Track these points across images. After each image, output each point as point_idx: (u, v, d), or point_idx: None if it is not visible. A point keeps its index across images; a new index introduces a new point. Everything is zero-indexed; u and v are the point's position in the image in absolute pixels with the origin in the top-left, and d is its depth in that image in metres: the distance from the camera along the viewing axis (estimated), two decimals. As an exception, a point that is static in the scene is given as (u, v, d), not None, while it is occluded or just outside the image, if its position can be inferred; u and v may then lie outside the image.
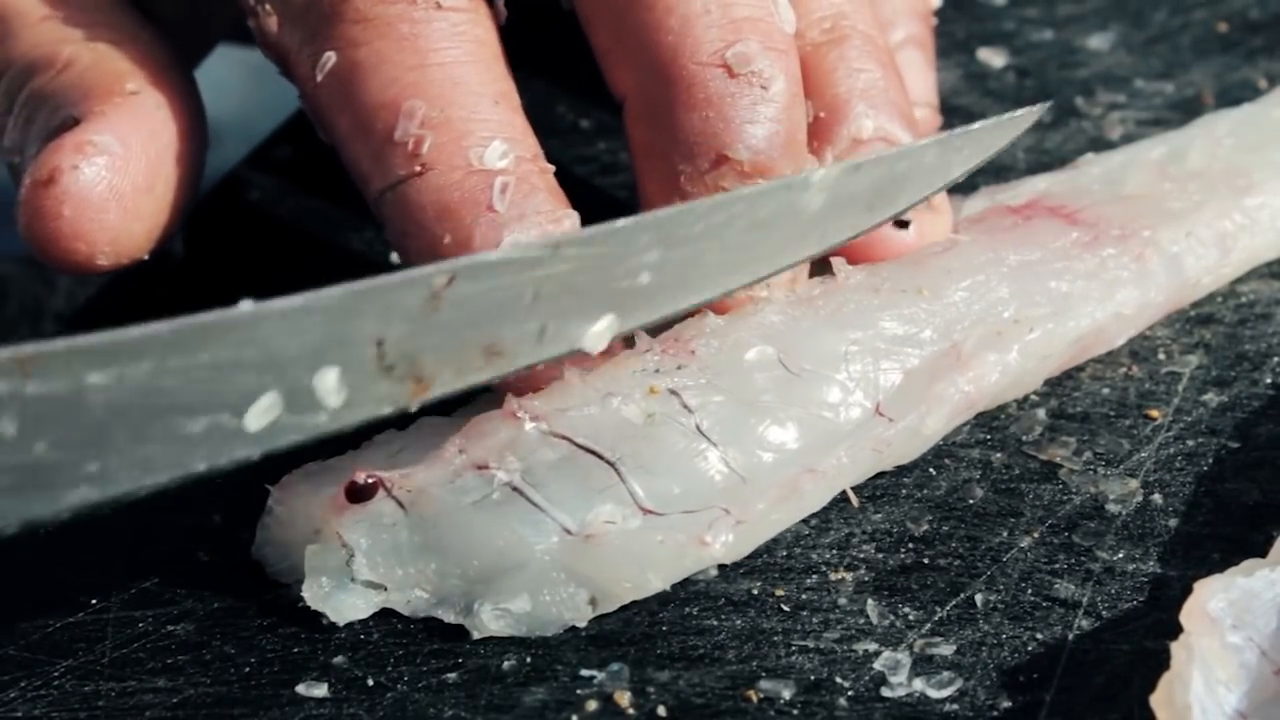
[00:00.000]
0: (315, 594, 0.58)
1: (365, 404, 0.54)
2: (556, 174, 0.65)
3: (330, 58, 0.61)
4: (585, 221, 0.63)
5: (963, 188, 0.73)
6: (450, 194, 0.60)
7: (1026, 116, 0.64)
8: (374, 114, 0.61)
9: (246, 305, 0.52)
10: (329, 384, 0.53)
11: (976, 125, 0.63)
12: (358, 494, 0.58)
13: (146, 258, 0.65)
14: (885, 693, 0.56)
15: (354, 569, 0.58)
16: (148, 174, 0.64)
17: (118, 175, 0.63)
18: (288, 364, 0.52)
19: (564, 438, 0.59)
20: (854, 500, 0.61)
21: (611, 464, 0.58)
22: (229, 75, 0.63)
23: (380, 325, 0.53)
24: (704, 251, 0.58)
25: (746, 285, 0.60)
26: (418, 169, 0.60)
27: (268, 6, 0.63)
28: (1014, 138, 0.64)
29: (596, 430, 0.59)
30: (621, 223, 0.57)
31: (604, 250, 0.56)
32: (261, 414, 0.52)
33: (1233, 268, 0.68)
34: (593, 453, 0.59)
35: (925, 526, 0.61)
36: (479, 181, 0.60)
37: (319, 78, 0.62)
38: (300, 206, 0.75)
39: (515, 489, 0.58)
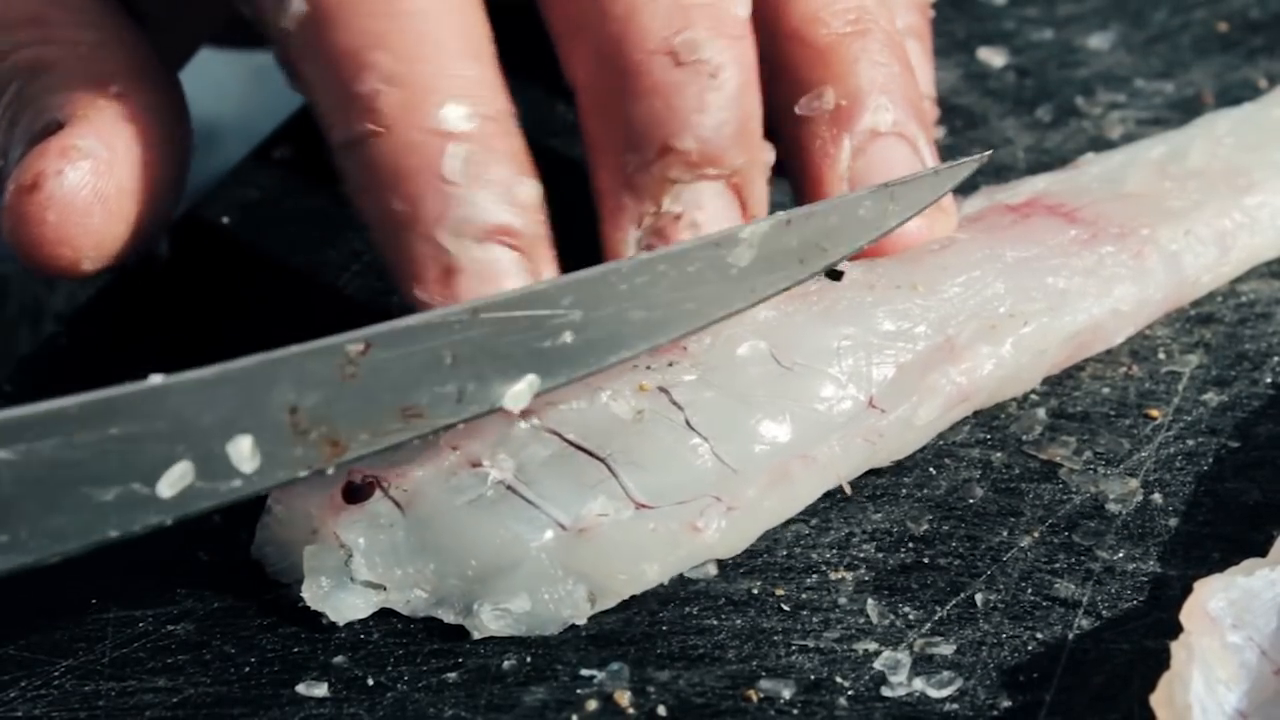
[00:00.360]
0: (315, 594, 0.58)
1: (280, 468, 0.54)
2: (556, 175, 0.65)
3: (299, 5, 0.60)
4: (579, 225, 0.63)
5: (963, 187, 0.73)
6: (407, 158, 0.59)
7: (964, 167, 0.63)
8: (338, 64, 0.60)
9: (156, 378, 0.53)
10: (242, 451, 0.54)
11: (911, 176, 0.63)
12: (354, 493, 0.58)
13: (131, 261, 0.65)
14: (885, 692, 0.56)
15: (352, 569, 0.58)
16: (132, 177, 0.63)
17: (102, 179, 0.63)
18: (200, 433, 0.53)
19: (554, 433, 0.59)
20: (847, 490, 0.61)
21: (602, 460, 0.58)
22: (229, 75, 0.63)
23: (294, 393, 0.54)
24: (628, 310, 0.57)
25: (676, 340, 0.59)
26: (375, 127, 0.59)
27: None
28: (949, 189, 0.63)
29: (586, 427, 0.59)
30: (542, 285, 0.57)
31: (524, 313, 0.56)
32: (174, 482, 0.53)
33: (1232, 266, 0.68)
34: (583, 450, 0.59)
35: (925, 526, 0.61)
36: (436, 145, 0.59)
37: (288, 26, 0.61)
38: (300, 207, 0.74)
39: (509, 487, 0.58)
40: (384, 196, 0.59)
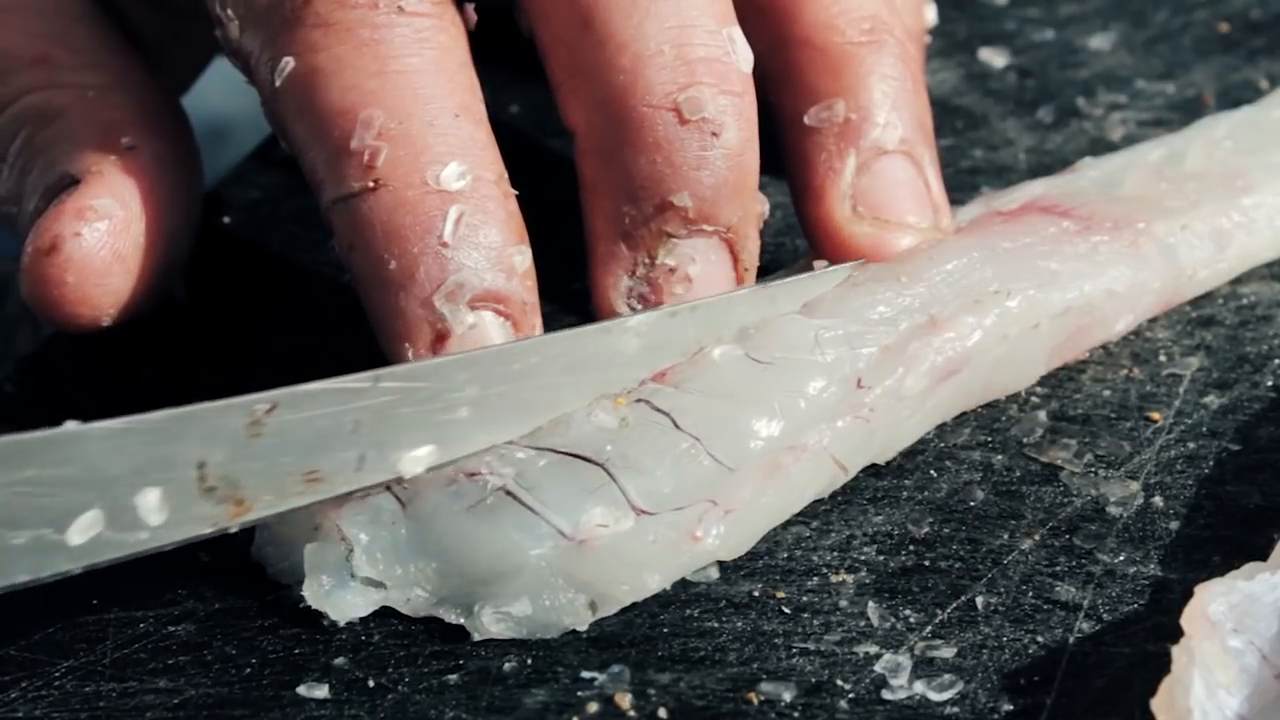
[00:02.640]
0: (315, 592, 0.58)
1: (186, 523, 0.55)
2: (557, 176, 0.65)
3: (289, 63, 0.60)
4: (572, 232, 0.63)
5: (963, 187, 0.73)
6: (402, 216, 0.59)
7: (839, 272, 0.63)
8: (331, 121, 0.60)
9: (71, 425, 0.53)
10: (150, 503, 0.55)
11: (791, 278, 0.63)
12: None
13: (149, 308, 0.65)
14: (886, 695, 0.56)
15: (353, 564, 0.58)
16: (148, 232, 0.64)
17: (119, 238, 0.63)
18: (110, 483, 0.54)
19: (546, 449, 0.59)
20: (845, 470, 0.61)
21: (600, 465, 0.58)
22: (238, 72, 0.63)
23: (202, 449, 0.55)
24: (521, 389, 0.59)
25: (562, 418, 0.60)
26: (371, 184, 0.59)
27: (230, 11, 0.62)
28: (828, 289, 0.63)
29: (578, 438, 0.59)
30: (441, 360, 0.58)
31: (424, 385, 0.57)
32: (84, 530, 0.54)
33: (1230, 264, 0.68)
34: (580, 457, 0.59)
35: (926, 529, 0.61)
36: (433, 205, 0.59)
37: (277, 83, 0.61)
38: (300, 207, 0.74)
39: (509, 493, 0.58)
40: (377, 255, 0.59)
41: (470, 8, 0.62)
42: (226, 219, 0.74)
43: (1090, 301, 0.64)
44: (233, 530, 0.56)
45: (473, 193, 0.59)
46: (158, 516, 0.55)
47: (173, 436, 0.54)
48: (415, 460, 0.58)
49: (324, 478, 0.57)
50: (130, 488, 0.54)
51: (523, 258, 0.60)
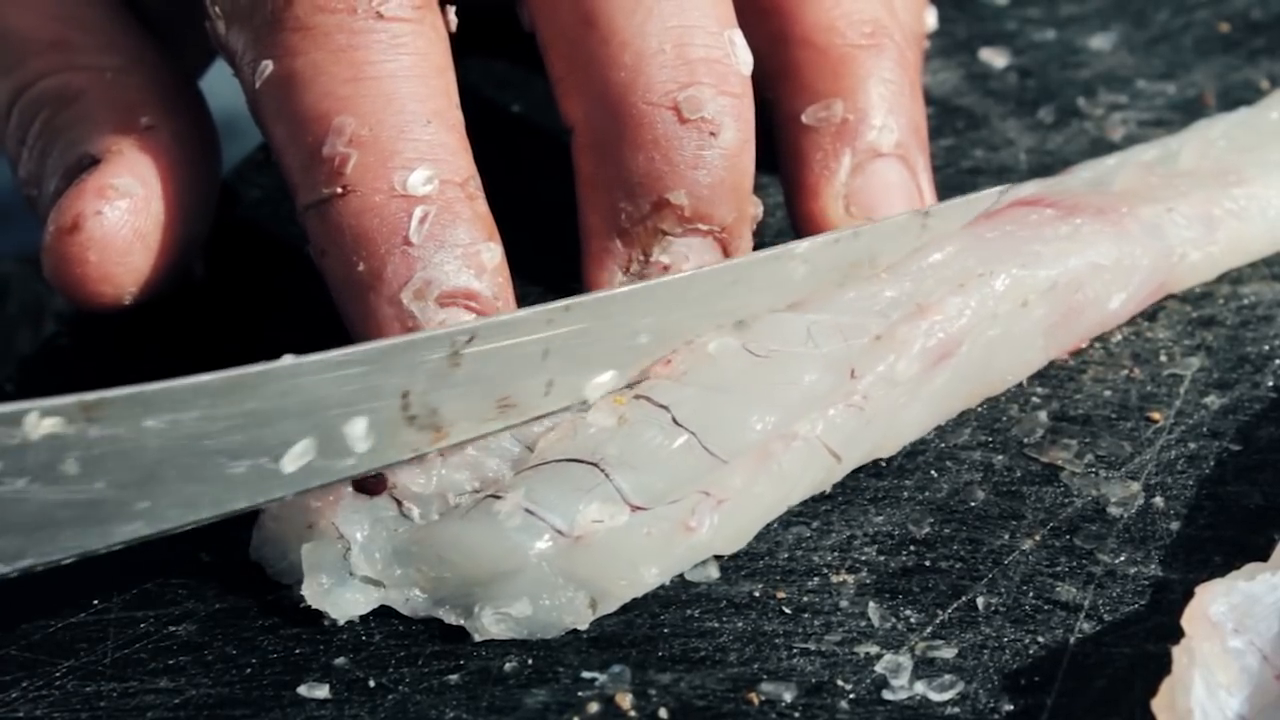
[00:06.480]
0: (315, 591, 0.58)
1: (389, 450, 0.58)
2: (558, 175, 0.65)
3: (268, 66, 0.61)
4: (572, 232, 0.63)
5: (963, 187, 0.73)
6: (369, 219, 0.60)
7: (984, 199, 0.65)
8: (305, 127, 0.60)
9: (289, 359, 0.55)
10: (358, 431, 0.57)
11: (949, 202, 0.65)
12: (366, 486, 0.58)
13: (169, 286, 0.65)
14: (887, 695, 0.56)
15: (351, 563, 0.58)
16: (168, 210, 0.64)
17: (139, 217, 0.63)
18: (323, 413, 0.56)
19: (543, 464, 0.59)
20: (838, 460, 0.61)
21: (595, 464, 0.58)
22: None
23: (406, 379, 0.57)
24: (694, 315, 0.61)
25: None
26: (339, 190, 0.60)
27: (217, 8, 0.62)
28: (974, 215, 0.65)
29: (574, 445, 0.59)
30: (623, 290, 0.60)
31: (609, 312, 0.59)
32: (297, 458, 0.56)
33: (1222, 249, 0.68)
34: (575, 461, 0.59)
35: (927, 529, 0.61)
36: (399, 208, 0.60)
37: (257, 84, 0.61)
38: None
39: (502, 496, 0.58)
40: (347, 259, 0.60)
41: (451, 11, 0.63)
42: (232, 214, 0.74)
43: (1076, 276, 0.64)
44: (429, 454, 0.58)
45: (439, 196, 0.60)
46: (364, 444, 0.57)
47: (380, 368, 0.57)
48: (598, 386, 0.60)
49: (516, 404, 0.59)
50: (340, 417, 0.56)
51: (491, 254, 0.60)
